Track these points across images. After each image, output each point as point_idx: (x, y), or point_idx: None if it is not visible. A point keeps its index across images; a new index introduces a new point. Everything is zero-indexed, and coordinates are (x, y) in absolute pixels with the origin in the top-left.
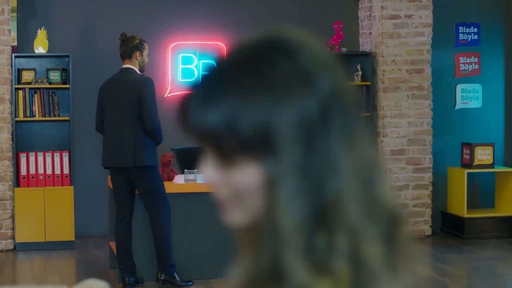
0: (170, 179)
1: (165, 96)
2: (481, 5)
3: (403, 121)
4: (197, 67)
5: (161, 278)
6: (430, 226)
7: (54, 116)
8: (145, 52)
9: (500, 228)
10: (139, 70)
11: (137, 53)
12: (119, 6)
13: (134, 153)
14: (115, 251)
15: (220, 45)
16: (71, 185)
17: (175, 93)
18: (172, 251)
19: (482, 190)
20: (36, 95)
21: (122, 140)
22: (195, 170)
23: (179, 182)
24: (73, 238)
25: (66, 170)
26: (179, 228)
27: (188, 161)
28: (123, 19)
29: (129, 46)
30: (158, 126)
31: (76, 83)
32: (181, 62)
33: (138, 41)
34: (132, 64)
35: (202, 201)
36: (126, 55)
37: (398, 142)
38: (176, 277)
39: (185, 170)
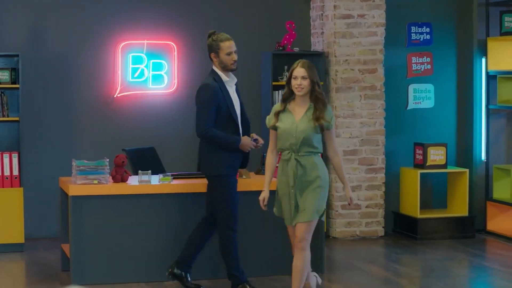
0: (124, 180)
1: (115, 96)
2: (433, 5)
3: (356, 121)
4: (147, 66)
5: (174, 271)
6: (383, 227)
7: (3, 116)
8: (222, 52)
9: (452, 229)
10: (224, 69)
11: (212, 54)
12: (69, 5)
13: (199, 160)
14: (67, 253)
15: (170, 44)
16: (20, 186)
17: (125, 93)
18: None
19: (434, 191)
20: None
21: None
22: (149, 171)
23: (133, 184)
24: (22, 241)
25: (15, 172)
26: (133, 229)
27: (140, 162)
28: (73, 18)
29: (207, 47)
30: (203, 133)
31: (25, 83)
32: (131, 62)
33: (210, 41)
34: (214, 66)
35: (156, 202)
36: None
37: (350, 143)
38: (189, 277)
39: (139, 171)
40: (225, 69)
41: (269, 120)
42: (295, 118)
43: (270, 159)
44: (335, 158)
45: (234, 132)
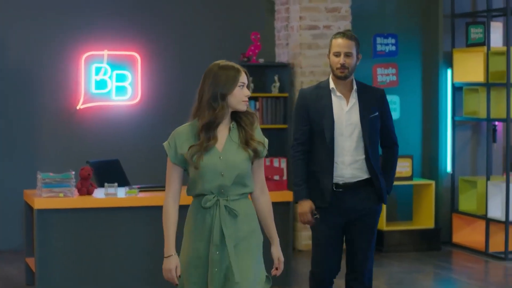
0: (89, 193)
1: (78, 107)
2: (399, 16)
3: None
4: (111, 78)
5: None
6: None
7: None
8: (331, 51)
9: (418, 241)
10: (334, 74)
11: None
12: (31, 16)
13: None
14: (32, 267)
15: (134, 55)
16: None
17: (89, 104)
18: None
19: (400, 203)
20: None
21: None
22: (115, 184)
23: (99, 196)
24: None
25: None
26: (99, 243)
27: (104, 174)
28: (35, 28)
29: None
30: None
31: None
32: (94, 73)
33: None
34: None
35: (123, 215)
36: None
37: None
38: None
39: (105, 184)
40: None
41: (175, 149)
42: (217, 146)
43: (173, 210)
44: (263, 197)
45: None
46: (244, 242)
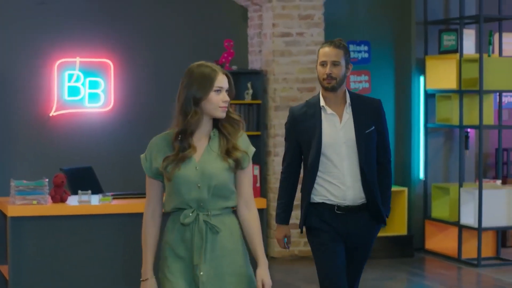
0: (63, 200)
1: (51, 114)
2: (372, 23)
3: None
4: (84, 85)
5: None
6: None
7: None
8: (318, 62)
9: (391, 248)
10: (321, 86)
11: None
12: (3, 23)
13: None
14: (6, 275)
15: (107, 62)
16: None
17: (62, 111)
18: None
19: None
20: None
21: None
22: (89, 191)
23: (72, 204)
24: None
25: None
26: (73, 250)
27: (77, 181)
28: (7, 34)
29: None
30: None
31: None
32: (67, 80)
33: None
34: None
35: (97, 223)
36: None
37: None
38: None
39: (79, 191)
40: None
41: (150, 162)
42: (194, 156)
43: (152, 229)
44: (249, 213)
45: None
46: (227, 261)
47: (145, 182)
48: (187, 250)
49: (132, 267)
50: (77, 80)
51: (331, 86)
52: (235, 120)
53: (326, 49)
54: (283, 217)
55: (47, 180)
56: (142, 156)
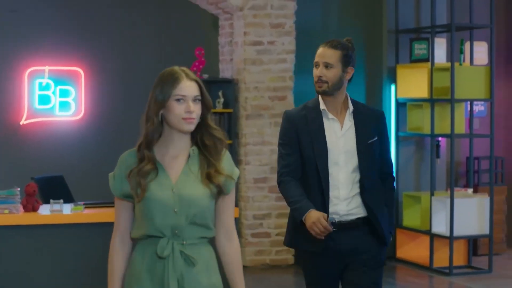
0: (35, 209)
1: (21, 123)
2: (342, 32)
3: (266, 148)
4: (54, 93)
5: None
6: (293, 255)
7: None
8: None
9: None
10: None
11: None
12: None
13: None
14: None
15: (77, 71)
16: None
17: (32, 120)
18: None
19: None
20: None
21: None
22: (61, 200)
23: (44, 213)
24: None
25: None
26: (46, 260)
27: (48, 190)
28: None
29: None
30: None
31: None
32: (37, 88)
33: None
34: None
35: (69, 232)
36: None
37: (260, 170)
38: None
39: (51, 200)
40: None
41: (120, 180)
42: (171, 176)
43: (119, 256)
44: (230, 246)
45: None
46: None
47: (114, 203)
48: (156, 284)
49: (104, 277)
50: (48, 88)
51: (322, 90)
52: (217, 137)
53: (320, 50)
54: (304, 205)
55: (18, 189)
56: (110, 174)
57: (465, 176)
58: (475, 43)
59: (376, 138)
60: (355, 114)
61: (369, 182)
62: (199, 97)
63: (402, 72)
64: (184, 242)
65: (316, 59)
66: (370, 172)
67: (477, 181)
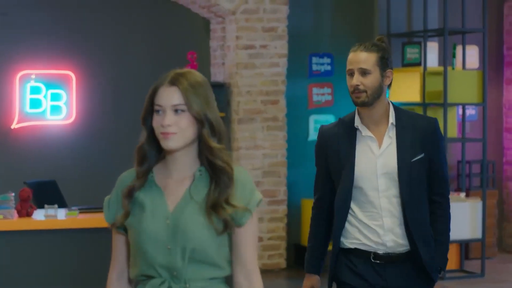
0: (29, 215)
1: (12, 127)
2: (335, 36)
3: (258, 152)
4: (45, 97)
5: None
6: (285, 259)
7: None
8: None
9: None
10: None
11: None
12: None
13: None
14: None
15: (69, 74)
16: None
17: (23, 124)
18: None
19: None
20: None
21: None
22: (55, 205)
23: (39, 218)
24: None
25: None
26: (40, 265)
27: (41, 195)
28: None
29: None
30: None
31: None
32: (29, 92)
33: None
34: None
35: (63, 237)
36: None
37: (253, 175)
38: None
39: (45, 205)
40: None
41: (113, 206)
42: (169, 204)
43: None
44: (249, 287)
45: None
46: None
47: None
48: None
49: (99, 281)
50: (39, 92)
51: (361, 101)
52: (226, 161)
53: (351, 55)
54: (311, 265)
55: (13, 194)
56: (106, 199)
57: (457, 180)
58: (467, 47)
59: (422, 155)
60: (397, 127)
61: (412, 208)
62: (182, 107)
63: (394, 76)
64: (187, 286)
65: (349, 67)
66: (414, 196)
67: (469, 185)
